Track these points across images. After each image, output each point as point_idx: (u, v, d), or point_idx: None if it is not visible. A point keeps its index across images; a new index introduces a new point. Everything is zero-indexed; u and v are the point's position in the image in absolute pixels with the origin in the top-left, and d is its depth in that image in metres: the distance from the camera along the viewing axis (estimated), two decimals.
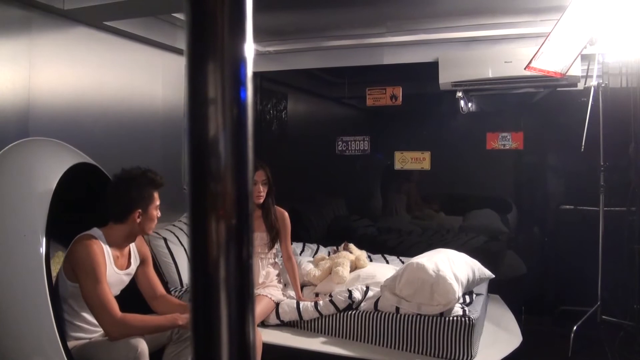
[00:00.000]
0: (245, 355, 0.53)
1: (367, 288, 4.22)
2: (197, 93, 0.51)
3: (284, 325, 4.12)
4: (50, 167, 3.12)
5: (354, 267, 4.56)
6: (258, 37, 5.54)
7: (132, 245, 3.32)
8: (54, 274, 3.07)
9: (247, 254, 0.52)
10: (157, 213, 3.18)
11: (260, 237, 4.21)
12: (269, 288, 4.19)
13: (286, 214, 4.36)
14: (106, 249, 3.06)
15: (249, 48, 0.52)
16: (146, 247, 3.47)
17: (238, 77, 0.51)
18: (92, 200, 3.51)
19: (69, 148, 3.42)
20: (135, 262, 3.33)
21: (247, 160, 0.52)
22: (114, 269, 3.12)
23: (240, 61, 0.51)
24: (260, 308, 4.02)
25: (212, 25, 0.51)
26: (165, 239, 4.64)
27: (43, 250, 2.80)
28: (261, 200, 4.18)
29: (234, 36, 0.51)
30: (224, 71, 0.51)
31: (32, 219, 2.88)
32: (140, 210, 3.10)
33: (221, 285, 0.51)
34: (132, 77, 4.74)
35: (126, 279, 3.27)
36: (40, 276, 2.75)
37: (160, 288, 3.46)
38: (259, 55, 5.76)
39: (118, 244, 3.15)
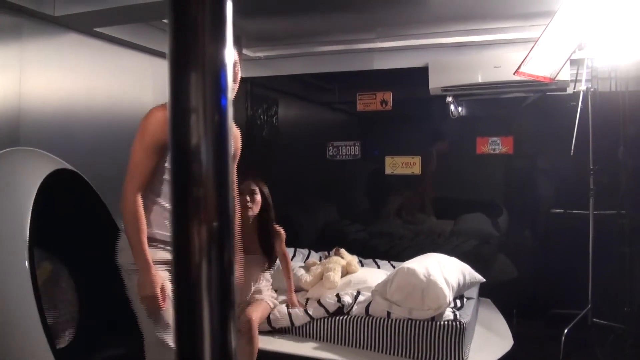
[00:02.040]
0: (227, 356, 0.54)
1: (358, 293, 4.22)
2: (180, 101, 0.52)
3: (275, 331, 4.12)
4: (27, 178, 3.10)
5: (345, 272, 4.56)
6: (248, 42, 5.55)
7: None
8: (40, 283, 3.06)
9: (228, 256, 0.54)
10: None
11: (255, 260, 4.00)
12: (265, 292, 4.11)
13: (283, 233, 4.16)
14: None
15: (230, 56, 0.53)
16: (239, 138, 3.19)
17: (219, 85, 0.52)
18: (76, 208, 3.51)
19: (48, 156, 3.40)
20: None
21: (227, 165, 0.53)
22: None
23: (221, 69, 0.53)
24: (260, 312, 3.93)
25: (194, 34, 0.52)
26: None
27: (27, 260, 2.79)
28: (249, 213, 3.89)
29: (215, 45, 0.53)
30: (205, 79, 0.52)
31: (15, 229, 2.86)
32: None
33: (203, 286, 0.52)
34: (122, 82, 4.74)
35: None
36: (27, 286, 2.74)
37: None
38: (249, 60, 5.77)
39: None
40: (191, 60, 0.52)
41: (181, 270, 0.53)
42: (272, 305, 4.10)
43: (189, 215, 0.52)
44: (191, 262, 0.52)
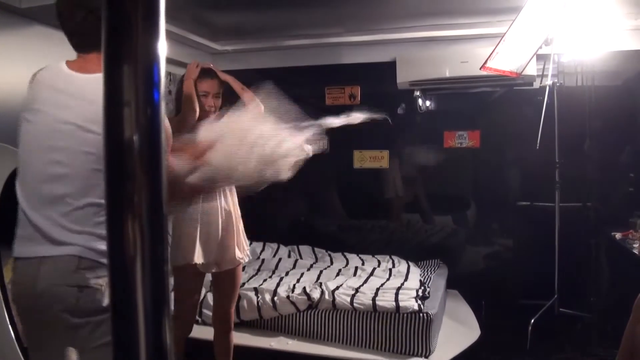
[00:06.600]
0: (162, 351, 0.54)
1: (322, 286, 4.20)
2: (113, 94, 0.52)
3: (242, 324, 4.10)
4: None
5: None
6: (216, 36, 5.51)
7: None
8: (6, 280, 3.02)
9: (161, 249, 0.54)
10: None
11: None
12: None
13: None
14: None
15: (163, 49, 0.53)
16: None
17: (152, 79, 0.52)
18: None
19: (14, 151, 3.34)
20: None
21: (160, 160, 0.53)
22: None
23: (154, 63, 0.52)
24: (237, 281, 3.41)
25: (127, 27, 0.52)
26: None
27: None
28: (212, 117, 3.30)
29: (148, 38, 0.52)
30: (137, 73, 0.52)
31: None
32: None
33: (138, 279, 0.52)
34: None
35: None
36: None
37: None
38: (217, 54, 5.73)
39: None
40: (124, 54, 0.52)
41: (116, 263, 0.53)
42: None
43: (122, 209, 0.52)
44: (126, 255, 0.52)
